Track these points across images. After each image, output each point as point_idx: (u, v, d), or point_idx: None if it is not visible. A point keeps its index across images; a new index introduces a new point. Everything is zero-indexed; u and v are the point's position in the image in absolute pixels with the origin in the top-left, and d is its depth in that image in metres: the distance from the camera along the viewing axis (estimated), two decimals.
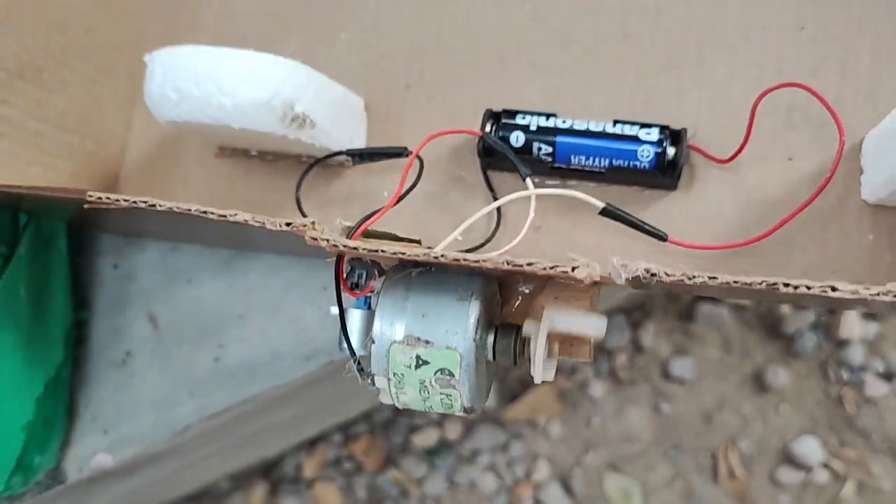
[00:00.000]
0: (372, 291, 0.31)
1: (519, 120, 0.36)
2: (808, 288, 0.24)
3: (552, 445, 0.97)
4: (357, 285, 0.31)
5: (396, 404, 0.29)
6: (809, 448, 0.92)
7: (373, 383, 0.29)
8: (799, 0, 0.36)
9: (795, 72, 0.36)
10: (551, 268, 0.25)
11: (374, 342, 0.28)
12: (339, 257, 0.31)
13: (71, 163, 0.38)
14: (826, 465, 0.92)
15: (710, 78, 0.37)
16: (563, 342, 0.30)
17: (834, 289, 0.24)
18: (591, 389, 0.96)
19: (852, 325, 0.91)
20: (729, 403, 0.94)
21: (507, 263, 0.26)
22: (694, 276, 0.25)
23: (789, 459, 0.93)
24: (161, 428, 0.41)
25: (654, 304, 0.96)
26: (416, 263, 0.28)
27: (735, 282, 0.24)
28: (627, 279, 0.25)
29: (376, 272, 0.30)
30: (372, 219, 0.31)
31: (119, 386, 0.42)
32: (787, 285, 0.24)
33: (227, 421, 0.44)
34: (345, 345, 0.30)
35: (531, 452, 0.98)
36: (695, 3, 0.37)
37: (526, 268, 0.26)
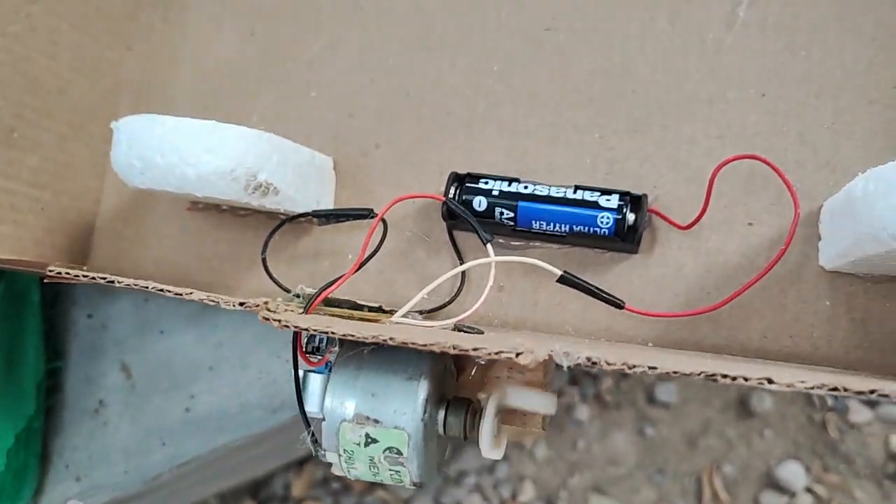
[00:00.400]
0: (330, 361, 0.31)
1: (482, 184, 0.37)
2: (746, 380, 0.24)
3: (538, 467, 0.98)
4: (317, 350, 0.31)
5: (348, 476, 0.29)
6: (793, 473, 0.93)
7: (325, 456, 0.30)
8: (760, 68, 0.37)
9: (757, 137, 0.36)
10: (496, 353, 0.26)
11: (324, 419, 0.28)
12: (297, 335, 0.31)
13: (44, 219, 0.39)
14: (809, 490, 0.93)
15: (673, 142, 0.38)
16: (517, 415, 0.31)
17: (770, 381, 0.24)
18: (577, 413, 0.97)
19: None
20: (713, 428, 0.95)
21: (454, 348, 0.26)
22: (634, 366, 0.25)
23: (773, 484, 0.94)
24: (133, 476, 0.42)
25: None
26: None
27: (675, 372, 0.25)
28: (569, 367, 0.26)
29: (337, 339, 0.30)
30: (332, 287, 0.32)
31: (92, 434, 0.43)
32: (724, 376, 0.24)
33: (198, 467, 0.45)
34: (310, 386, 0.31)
35: (517, 474, 0.99)
36: (659, 69, 0.38)
37: (471, 352, 0.26)
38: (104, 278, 0.29)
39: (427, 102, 0.41)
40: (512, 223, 0.37)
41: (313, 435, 0.30)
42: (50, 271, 0.30)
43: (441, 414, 0.29)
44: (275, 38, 0.42)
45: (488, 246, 0.35)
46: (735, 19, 0.37)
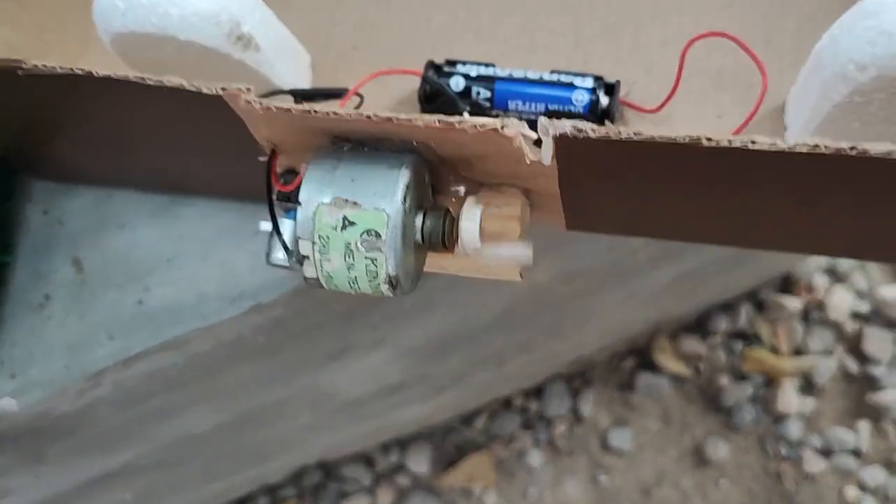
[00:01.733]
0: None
1: (459, 68, 0.38)
2: (730, 141, 0.24)
3: None
4: (289, 174, 0.31)
5: (321, 278, 0.28)
6: None
7: (298, 261, 0.28)
8: None
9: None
10: (481, 126, 0.26)
11: (300, 205, 0.27)
12: (273, 154, 0.31)
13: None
14: None
15: (644, 46, 0.39)
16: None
17: (753, 142, 0.24)
18: (529, 458, 0.94)
19: (789, 400, 0.91)
20: (668, 477, 0.93)
21: (439, 122, 0.26)
22: (619, 132, 0.25)
23: None
24: (74, 370, 0.39)
25: (594, 373, 0.96)
26: (346, 138, 0.29)
27: (660, 137, 0.25)
28: (555, 136, 0.26)
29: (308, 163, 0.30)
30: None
31: (33, 329, 0.40)
32: (709, 139, 0.25)
33: (142, 390, 0.42)
34: (275, 252, 0.30)
35: None
36: None
37: (457, 125, 0.26)
38: (81, 70, 0.29)
39: (405, 11, 0.42)
40: (488, 103, 0.37)
41: (284, 244, 0.29)
42: (24, 64, 0.29)
43: (419, 219, 0.29)
44: None
45: (465, 113, 0.35)
46: None
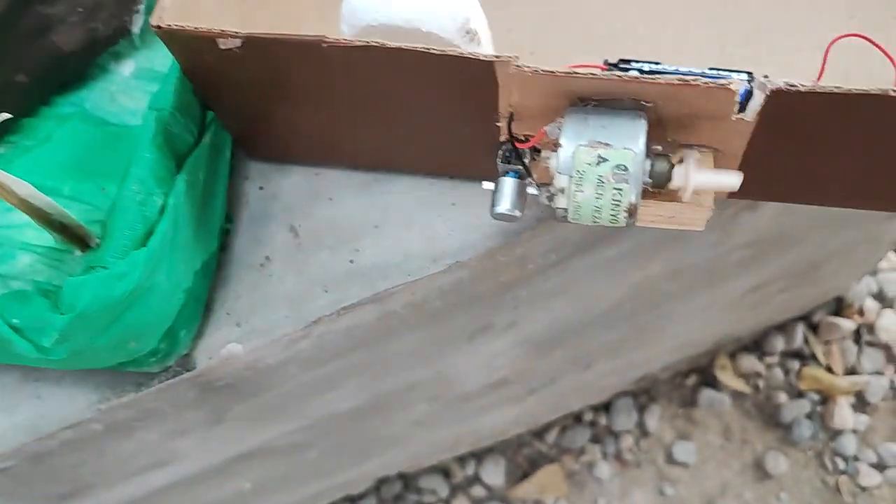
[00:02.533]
0: (539, 144, 0.38)
1: (633, 65, 0.45)
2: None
3: None
4: (523, 139, 0.38)
5: (569, 207, 0.35)
6: None
7: (550, 196, 0.35)
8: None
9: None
10: (711, 82, 0.33)
11: (561, 146, 0.34)
12: (511, 118, 0.38)
13: None
14: None
15: (780, 51, 0.47)
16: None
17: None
18: (598, 471, 0.99)
19: (845, 416, 0.97)
20: (731, 490, 0.98)
21: (678, 80, 0.33)
22: (825, 87, 0.32)
23: None
24: (294, 319, 0.46)
25: (659, 390, 1.02)
26: (586, 99, 0.36)
27: (856, 89, 0.32)
28: (772, 90, 0.33)
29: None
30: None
31: (256, 285, 0.47)
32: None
33: (358, 333, 0.49)
34: (500, 203, 0.37)
35: None
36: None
37: (692, 81, 0.33)
38: (383, 44, 0.36)
39: (576, 25, 0.50)
40: None
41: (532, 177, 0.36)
42: (326, 40, 0.36)
43: (650, 165, 0.36)
44: None
45: None
46: None
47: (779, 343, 1.00)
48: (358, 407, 0.65)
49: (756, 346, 1.01)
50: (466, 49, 0.42)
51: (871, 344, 1.00)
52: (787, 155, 0.39)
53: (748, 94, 0.35)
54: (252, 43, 0.37)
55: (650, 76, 0.33)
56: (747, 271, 0.73)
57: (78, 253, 0.43)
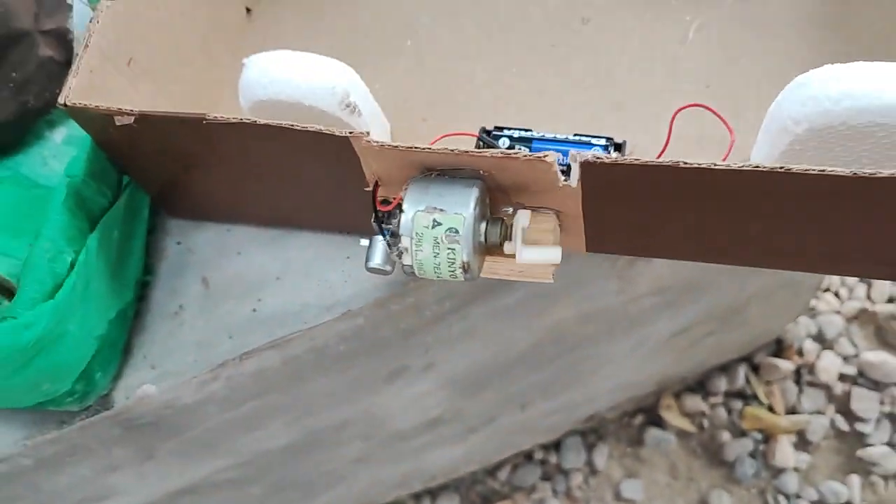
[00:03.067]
0: (398, 206, 0.43)
1: (505, 132, 0.51)
2: (698, 164, 0.37)
3: None
4: (386, 202, 0.43)
5: (413, 264, 0.40)
6: None
7: (399, 254, 0.40)
8: (704, 69, 0.52)
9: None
10: (529, 156, 0.38)
11: (402, 212, 0.39)
12: (376, 185, 0.43)
13: None
14: None
15: (643, 117, 0.52)
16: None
17: (716, 164, 0.36)
18: None
19: (786, 455, 1.00)
20: None
21: (501, 153, 0.38)
22: (625, 158, 0.37)
23: None
24: (201, 363, 0.50)
25: (607, 430, 1.05)
26: (432, 169, 0.41)
27: (650, 161, 0.37)
28: (581, 162, 0.38)
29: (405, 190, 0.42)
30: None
31: (170, 332, 0.52)
32: (686, 163, 0.37)
33: (244, 391, 0.53)
34: (372, 259, 0.42)
35: None
36: (635, 70, 0.53)
37: (513, 155, 0.38)
38: (253, 120, 0.41)
39: (463, 93, 0.55)
40: None
41: (385, 240, 0.41)
42: (206, 118, 0.41)
43: (483, 225, 0.40)
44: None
45: None
46: (687, 38, 0.53)
47: (722, 383, 1.04)
48: (291, 444, 0.70)
49: (700, 386, 1.05)
50: (348, 120, 0.48)
51: (811, 384, 1.03)
52: (620, 214, 0.43)
53: (569, 165, 0.40)
54: (144, 119, 0.42)
55: (478, 150, 0.38)
56: (665, 317, 0.77)
57: (6, 303, 0.48)
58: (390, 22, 0.59)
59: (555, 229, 0.43)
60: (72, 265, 0.45)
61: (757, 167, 0.36)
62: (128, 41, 0.48)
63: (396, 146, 0.40)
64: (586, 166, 0.38)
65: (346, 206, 0.48)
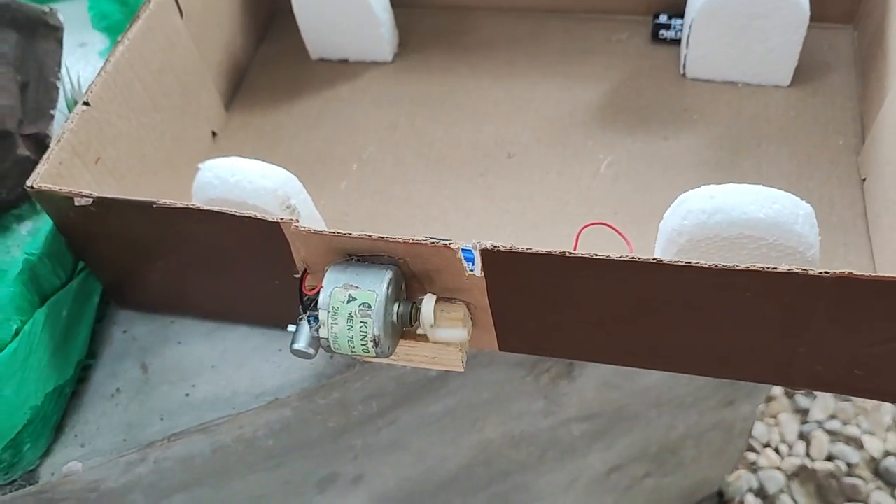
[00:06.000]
0: (319, 291, 0.47)
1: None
2: (594, 255, 0.42)
3: None
4: (312, 288, 0.47)
5: (329, 337, 0.44)
6: None
7: (317, 328, 0.44)
8: (613, 198, 0.59)
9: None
10: (437, 243, 0.43)
11: (322, 287, 0.44)
12: (304, 272, 0.48)
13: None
14: None
15: (558, 235, 0.58)
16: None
17: (608, 256, 0.42)
18: None
19: None
20: None
21: (412, 239, 0.44)
22: (518, 247, 0.42)
23: None
24: (130, 442, 0.53)
25: None
26: (352, 255, 0.46)
27: (545, 250, 0.42)
28: (480, 249, 0.43)
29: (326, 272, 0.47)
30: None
31: (104, 412, 0.54)
32: (571, 253, 0.42)
33: (171, 479, 0.55)
34: (297, 342, 0.46)
35: None
36: (552, 196, 0.60)
37: (422, 241, 0.43)
38: (198, 206, 0.46)
39: (400, 210, 0.61)
40: None
41: (307, 317, 0.45)
42: (157, 203, 0.46)
43: (396, 306, 0.45)
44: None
45: None
46: (598, 172, 0.60)
47: None
48: None
49: None
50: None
51: None
52: (523, 308, 0.48)
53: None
54: (101, 202, 0.48)
55: (391, 237, 0.44)
56: (596, 448, 0.80)
57: None
58: (340, 149, 0.66)
59: (465, 318, 0.48)
60: (16, 332, 0.48)
61: (632, 258, 0.41)
62: (98, 142, 0.54)
63: (321, 231, 0.45)
64: (486, 254, 0.43)
65: (279, 299, 0.52)
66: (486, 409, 0.66)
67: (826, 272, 0.39)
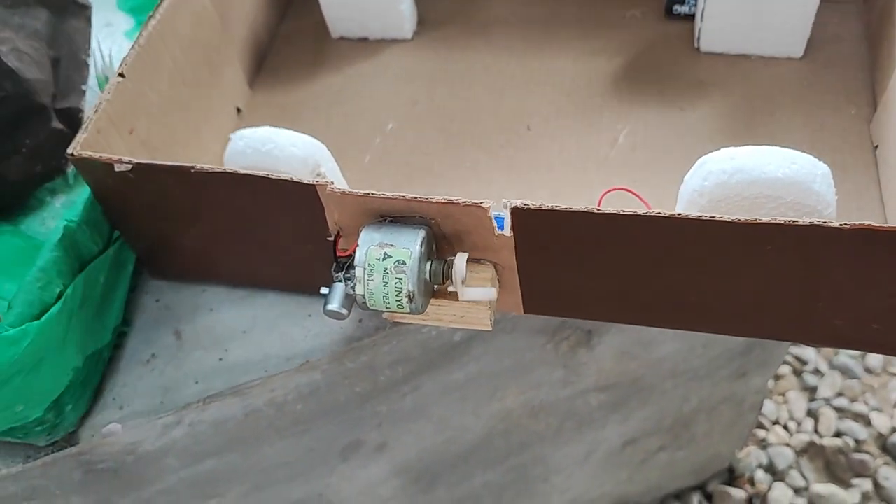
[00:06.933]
0: (353, 252, 0.49)
1: None
2: (621, 211, 0.43)
3: None
4: (345, 251, 0.49)
5: (365, 294, 0.45)
6: None
7: (353, 284, 0.46)
8: (631, 165, 0.60)
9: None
10: (469, 202, 0.45)
11: (359, 246, 0.45)
12: (337, 234, 0.50)
13: None
14: None
15: (581, 196, 0.59)
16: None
17: (623, 210, 0.43)
18: None
19: None
20: None
21: (444, 199, 0.45)
22: (549, 205, 0.44)
23: None
24: (167, 404, 0.54)
25: None
26: (385, 216, 0.47)
27: (574, 207, 0.44)
28: (511, 208, 0.44)
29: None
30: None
31: (140, 377, 0.56)
32: (599, 210, 0.43)
33: (205, 443, 0.57)
34: (330, 303, 0.47)
35: None
36: (571, 163, 0.61)
37: (454, 201, 0.45)
38: (235, 170, 0.48)
39: (423, 181, 0.63)
40: None
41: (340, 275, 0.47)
42: (195, 167, 0.48)
43: (429, 265, 0.46)
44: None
45: None
46: (616, 142, 0.62)
47: None
48: None
49: None
50: None
51: None
52: (551, 269, 0.49)
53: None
54: (140, 168, 0.49)
55: (424, 197, 0.45)
56: (613, 420, 0.81)
57: None
58: (362, 124, 0.68)
59: (493, 278, 0.49)
60: (59, 295, 0.50)
61: (658, 213, 0.43)
62: (132, 113, 0.55)
63: (356, 192, 0.46)
64: (516, 212, 0.45)
65: (311, 264, 0.53)
66: (506, 377, 0.68)
67: (846, 224, 0.41)
